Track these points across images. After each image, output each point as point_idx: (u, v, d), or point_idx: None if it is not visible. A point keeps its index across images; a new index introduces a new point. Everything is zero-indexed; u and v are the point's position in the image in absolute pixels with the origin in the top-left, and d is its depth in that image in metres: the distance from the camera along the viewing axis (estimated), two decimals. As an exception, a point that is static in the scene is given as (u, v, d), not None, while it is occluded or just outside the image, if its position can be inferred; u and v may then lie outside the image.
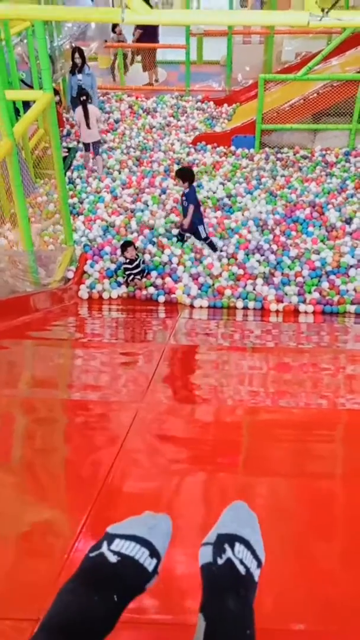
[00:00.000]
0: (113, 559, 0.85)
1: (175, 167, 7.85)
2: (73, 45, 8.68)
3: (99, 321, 4.49)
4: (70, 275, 5.48)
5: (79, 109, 7.25)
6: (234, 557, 0.88)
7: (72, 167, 7.85)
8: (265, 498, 1.70)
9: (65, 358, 3.24)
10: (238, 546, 0.89)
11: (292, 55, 11.23)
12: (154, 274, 5.61)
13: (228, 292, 5.41)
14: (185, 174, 5.77)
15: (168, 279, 5.53)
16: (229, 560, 0.88)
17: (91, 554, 0.87)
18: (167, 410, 2.14)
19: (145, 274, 5.61)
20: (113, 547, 0.87)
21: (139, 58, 11.28)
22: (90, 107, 7.23)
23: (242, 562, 0.88)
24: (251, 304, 5.27)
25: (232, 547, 0.89)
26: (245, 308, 5.26)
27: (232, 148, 8.54)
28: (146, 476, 1.72)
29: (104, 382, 2.65)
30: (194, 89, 10.56)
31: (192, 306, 5.25)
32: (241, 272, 5.72)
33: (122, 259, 5.63)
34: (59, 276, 5.17)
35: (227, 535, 0.91)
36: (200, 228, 5.88)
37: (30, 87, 8.09)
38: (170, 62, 11.75)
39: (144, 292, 5.36)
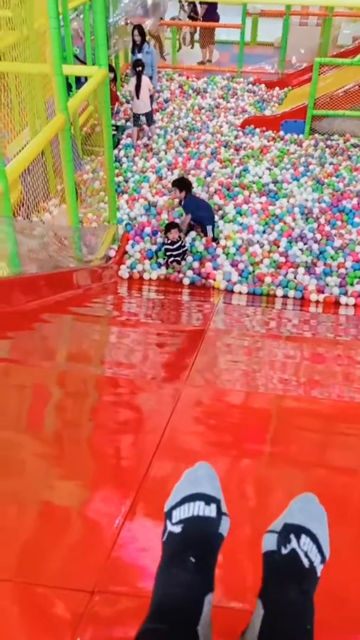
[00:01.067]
0: (178, 529, 0.86)
1: (223, 150, 7.80)
2: (128, 21, 8.58)
3: (138, 301, 4.54)
4: (112, 253, 5.53)
5: (132, 79, 7.33)
6: (299, 548, 0.87)
7: (119, 146, 7.86)
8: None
9: (103, 335, 3.29)
10: (304, 538, 0.88)
11: (349, 39, 10.88)
12: (195, 260, 5.60)
13: (268, 279, 5.37)
14: (181, 184, 5.80)
15: (208, 264, 5.52)
16: (293, 551, 0.87)
17: (163, 539, 0.88)
18: (210, 394, 2.17)
19: (185, 256, 5.61)
20: (174, 519, 0.88)
21: (196, 37, 11.12)
22: (143, 77, 7.30)
23: (306, 555, 0.87)
24: (291, 293, 5.22)
25: (298, 538, 0.88)
26: (285, 297, 5.22)
27: (281, 133, 8.38)
28: (189, 459, 1.76)
29: (144, 361, 2.69)
30: (246, 71, 10.38)
31: (231, 291, 5.24)
32: (283, 260, 5.66)
33: (163, 239, 5.65)
34: (101, 254, 5.23)
35: (294, 526, 0.90)
36: (209, 228, 5.79)
37: (84, 62, 8.10)
38: (223, 42, 11.54)
39: (181, 275, 5.37)
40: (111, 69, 7.80)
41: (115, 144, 7.72)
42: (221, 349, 2.97)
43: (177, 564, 0.82)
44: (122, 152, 7.66)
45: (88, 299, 4.11)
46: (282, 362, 2.78)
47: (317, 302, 5.15)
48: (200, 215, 5.78)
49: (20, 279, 3.33)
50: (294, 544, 0.87)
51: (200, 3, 10.25)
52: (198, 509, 0.87)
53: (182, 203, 5.78)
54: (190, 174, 7.13)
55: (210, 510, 0.87)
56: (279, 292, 5.22)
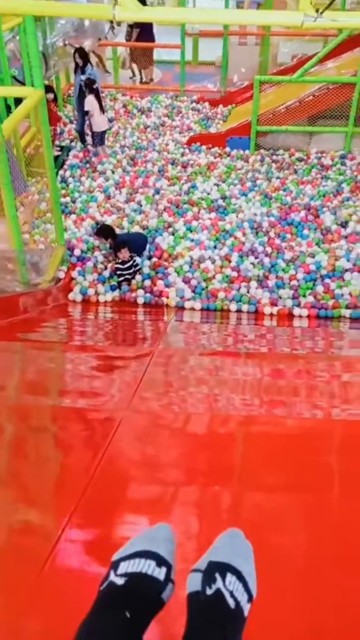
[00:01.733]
0: (121, 581, 0.81)
1: (170, 168, 7.79)
2: (66, 42, 8.55)
3: (88, 323, 4.38)
4: (62, 275, 5.37)
5: (90, 97, 7.33)
6: (224, 588, 0.82)
7: (64, 166, 7.74)
8: (258, 513, 1.61)
9: (52, 362, 3.13)
10: (229, 577, 0.83)
11: (288, 57, 11.18)
12: (145, 278, 5.51)
13: (222, 294, 5.33)
14: (105, 232, 5.68)
15: (160, 282, 5.43)
16: (218, 591, 0.82)
17: (101, 588, 0.83)
18: (152, 419, 2.05)
19: (136, 273, 5.51)
20: (119, 571, 0.83)
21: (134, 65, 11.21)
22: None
23: (232, 595, 0.82)
24: (245, 307, 5.18)
25: (224, 577, 0.83)
26: (239, 311, 5.18)
27: (227, 149, 8.46)
28: (129, 485, 1.63)
29: (89, 387, 2.55)
30: (189, 89, 10.48)
31: (184, 308, 5.16)
32: (235, 274, 5.64)
33: (114, 260, 5.53)
34: (49, 276, 5.07)
35: (218, 564, 0.85)
36: (138, 259, 5.66)
37: (23, 84, 7.97)
38: (165, 61, 11.66)
39: (134, 295, 5.26)
40: (50, 89, 7.71)
41: (61, 165, 7.61)
42: (169, 369, 2.85)
43: (109, 618, 0.78)
44: (67, 173, 7.54)
45: (36, 324, 3.94)
46: (236, 380, 2.69)
47: (272, 314, 5.14)
48: (134, 250, 5.62)
49: None
50: (219, 583, 0.83)
51: (133, 26, 10.28)
52: (148, 567, 0.83)
53: (112, 247, 5.62)
54: (138, 192, 7.08)
55: (160, 573, 0.83)
56: (233, 306, 5.18)
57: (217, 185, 7.34)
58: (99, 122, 7.62)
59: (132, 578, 0.82)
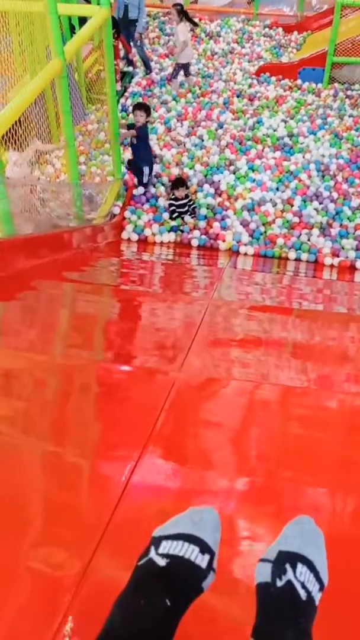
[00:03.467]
0: (162, 562, 0.79)
1: (236, 100, 7.27)
2: None
3: (139, 265, 4.20)
4: (117, 210, 5.17)
5: (184, 25, 6.91)
6: (295, 579, 0.80)
7: (126, 94, 7.35)
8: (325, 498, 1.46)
9: (97, 305, 2.99)
10: (300, 567, 0.81)
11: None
12: (200, 219, 5.23)
13: (280, 241, 5.02)
14: (148, 109, 5.32)
15: (216, 224, 5.16)
16: (289, 582, 0.80)
17: (139, 563, 0.81)
18: (205, 382, 1.91)
19: (193, 215, 5.25)
20: (161, 550, 0.81)
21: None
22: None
23: (303, 586, 0.80)
24: (304, 256, 4.87)
25: (294, 567, 0.81)
26: (298, 260, 4.88)
27: (299, 81, 7.81)
28: (180, 456, 1.52)
29: (135, 339, 2.42)
30: (262, 13, 9.63)
31: (239, 253, 4.90)
32: (296, 220, 5.28)
33: (170, 195, 5.27)
34: (104, 212, 4.88)
35: (289, 554, 0.83)
36: (146, 170, 5.34)
37: (88, 2, 7.49)
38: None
39: (190, 236, 5.02)
40: (115, 23, 7.06)
41: (122, 93, 7.21)
42: (222, 325, 2.66)
43: (149, 597, 0.76)
44: (129, 101, 7.15)
45: (86, 261, 3.80)
46: (290, 345, 2.47)
47: (332, 266, 4.81)
48: (143, 157, 5.31)
49: (12, 240, 3.03)
50: (289, 574, 0.80)
51: None
52: (192, 553, 0.80)
53: (138, 129, 5.30)
54: (200, 126, 6.66)
55: (203, 560, 0.80)
56: (292, 254, 4.87)
57: (285, 121, 6.82)
58: (188, 52, 7.18)
59: (174, 561, 0.79)
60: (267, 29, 9.30)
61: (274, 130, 6.60)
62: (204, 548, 0.81)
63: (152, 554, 0.81)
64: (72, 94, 5.44)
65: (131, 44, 7.62)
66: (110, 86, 4.88)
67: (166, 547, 0.81)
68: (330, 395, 1.97)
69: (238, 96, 7.38)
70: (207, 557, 0.81)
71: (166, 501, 1.31)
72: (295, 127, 6.67)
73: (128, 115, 6.87)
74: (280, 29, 9.27)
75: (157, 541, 0.82)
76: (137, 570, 0.81)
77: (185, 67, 7.30)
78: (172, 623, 0.75)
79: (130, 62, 8.02)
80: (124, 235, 4.92)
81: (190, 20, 7.07)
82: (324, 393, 1.97)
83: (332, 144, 6.39)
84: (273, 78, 7.85)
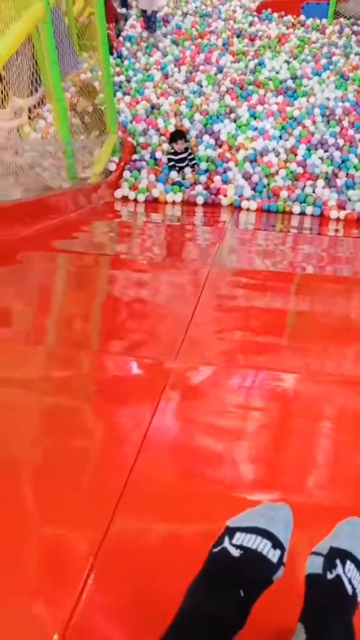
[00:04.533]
0: (236, 553, 0.84)
1: (236, 41, 6.79)
2: None
3: (133, 228, 3.97)
4: (113, 167, 4.91)
5: None
6: (344, 574, 0.86)
7: (119, 38, 6.87)
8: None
9: (88, 283, 2.77)
10: (349, 564, 0.87)
11: None
12: (200, 174, 4.95)
13: (284, 193, 4.76)
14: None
15: (217, 178, 4.89)
16: (338, 577, 0.86)
17: (214, 550, 0.86)
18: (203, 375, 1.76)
19: (193, 168, 4.98)
20: (235, 540, 0.85)
21: None
22: None
23: (350, 582, 0.86)
24: (309, 210, 4.63)
25: (344, 563, 0.87)
26: (302, 214, 4.64)
27: (302, 17, 7.27)
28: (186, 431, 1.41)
29: (131, 319, 2.26)
30: None
31: (241, 208, 4.66)
32: (301, 170, 5.00)
33: (168, 148, 4.99)
34: (99, 169, 4.63)
35: (340, 551, 0.89)
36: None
37: None
38: None
39: (192, 192, 4.77)
40: None
41: (116, 36, 6.74)
42: (224, 297, 2.48)
43: (223, 586, 0.82)
44: (123, 47, 6.70)
45: (79, 227, 3.60)
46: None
47: (338, 219, 4.57)
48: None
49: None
50: (339, 569, 0.87)
51: None
52: (264, 547, 0.85)
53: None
54: (199, 71, 6.24)
55: (274, 555, 0.85)
56: (296, 208, 4.63)
57: (288, 62, 6.38)
58: None
59: (247, 553, 0.84)
60: None
61: (277, 73, 6.18)
62: (276, 543, 0.85)
63: (226, 543, 0.85)
64: (62, 41, 5.08)
65: None
66: (101, 31, 4.51)
67: (240, 538, 0.85)
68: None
69: (238, 36, 6.89)
70: (278, 552, 0.85)
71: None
72: (299, 69, 6.24)
73: (122, 62, 6.45)
74: None
75: (231, 532, 0.86)
76: (210, 557, 0.85)
77: (150, 18, 6.53)
78: (243, 612, 0.80)
79: (124, 3, 7.49)
80: (118, 194, 4.66)
81: None
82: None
83: (337, 86, 5.99)
84: (275, 15, 7.31)
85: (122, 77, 6.18)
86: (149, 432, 1.36)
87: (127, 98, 5.89)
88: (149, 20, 6.44)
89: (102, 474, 1.23)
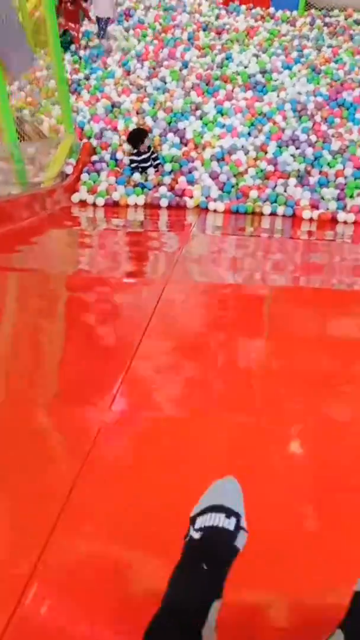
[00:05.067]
0: (197, 535, 0.89)
1: (202, 35, 6.47)
2: None
3: (88, 238, 3.60)
4: (70, 170, 4.54)
5: None
6: None
7: (79, 35, 6.49)
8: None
9: (23, 302, 2.44)
10: None
11: None
12: (164, 175, 4.61)
13: (254, 193, 4.44)
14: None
15: (182, 179, 4.55)
16: None
17: (185, 540, 0.90)
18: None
19: (157, 169, 4.64)
20: (196, 526, 0.90)
21: None
22: None
23: None
24: (280, 210, 4.31)
25: None
26: (273, 214, 4.32)
27: (272, 10, 6.98)
28: None
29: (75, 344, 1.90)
30: None
31: (208, 210, 4.33)
32: (271, 168, 4.68)
33: (127, 147, 4.64)
34: (53, 172, 4.26)
35: None
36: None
37: None
38: None
39: (155, 194, 4.42)
40: None
41: (70, 41, 6.33)
42: (177, 318, 2.13)
43: (190, 568, 0.87)
44: (82, 41, 6.33)
45: (28, 238, 3.24)
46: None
47: (311, 219, 4.26)
48: None
49: None
50: None
51: None
52: (218, 520, 0.90)
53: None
54: (162, 66, 5.90)
55: (229, 524, 0.90)
56: (266, 209, 4.31)
57: (257, 56, 6.06)
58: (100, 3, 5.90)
59: (206, 532, 0.89)
60: None
61: (245, 67, 5.86)
62: (229, 512, 0.90)
63: (191, 531, 0.90)
64: (15, 37, 4.71)
65: None
66: (51, 27, 4.15)
67: (199, 522, 0.90)
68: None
69: (204, 30, 6.57)
70: (233, 519, 0.89)
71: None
72: (269, 62, 5.94)
73: (80, 59, 6.08)
74: None
75: (193, 520, 0.91)
76: (183, 547, 0.89)
77: (100, 24, 6.11)
78: (212, 584, 0.84)
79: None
80: (75, 198, 4.30)
81: None
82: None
83: (309, 80, 5.70)
84: (243, 7, 7.01)
85: (81, 75, 5.81)
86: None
87: (87, 95, 5.53)
88: (100, 26, 6.06)
89: None
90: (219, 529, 0.88)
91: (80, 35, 6.29)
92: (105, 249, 3.38)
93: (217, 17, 6.84)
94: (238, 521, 0.90)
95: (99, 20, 6.06)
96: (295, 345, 1.94)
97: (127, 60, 5.98)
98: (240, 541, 0.89)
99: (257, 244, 3.59)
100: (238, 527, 0.89)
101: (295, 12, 6.92)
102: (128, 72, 5.83)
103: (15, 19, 5.53)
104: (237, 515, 0.90)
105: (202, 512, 0.91)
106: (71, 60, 6.06)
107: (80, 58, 6.09)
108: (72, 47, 6.24)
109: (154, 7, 7.01)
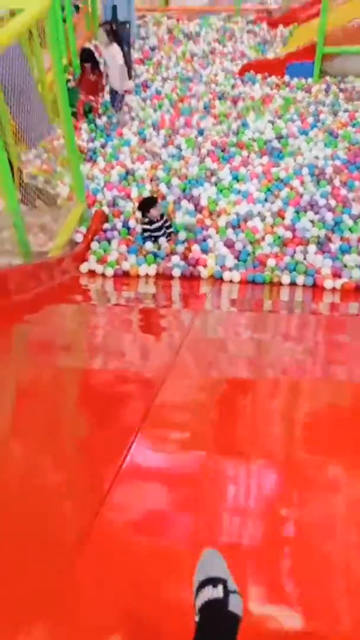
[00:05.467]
0: (197, 617, 0.87)
1: (218, 103, 6.43)
2: None
3: (88, 316, 3.30)
4: (80, 238, 4.34)
5: (115, 47, 5.62)
6: None
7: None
8: None
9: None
10: None
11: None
12: (180, 245, 4.35)
13: (271, 262, 4.15)
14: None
15: (196, 247, 4.29)
16: None
17: (196, 624, 0.90)
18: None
19: (169, 237, 4.40)
20: (196, 609, 0.88)
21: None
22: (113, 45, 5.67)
23: None
24: (300, 279, 3.99)
25: None
26: (293, 284, 4.00)
27: (286, 78, 6.95)
28: None
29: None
30: (245, 8, 8.78)
31: (222, 280, 4.03)
32: (289, 235, 4.41)
33: (139, 215, 4.44)
34: (62, 241, 4.05)
35: None
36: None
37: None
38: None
39: (168, 264, 4.16)
40: (90, 56, 6.13)
41: (89, 110, 6.33)
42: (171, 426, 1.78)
43: None
44: (100, 112, 6.32)
45: (21, 313, 2.96)
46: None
47: (334, 289, 3.93)
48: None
49: None
50: None
51: None
52: (208, 593, 0.88)
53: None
54: (178, 134, 5.82)
55: (217, 592, 0.87)
56: (285, 278, 4.00)
57: (272, 122, 5.95)
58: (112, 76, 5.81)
59: (202, 611, 0.87)
60: (250, 25, 8.44)
61: (261, 133, 5.73)
62: (214, 581, 0.89)
63: (195, 616, 0.87)
64: (34, 108, 4.66)
65: (125, 49, 6.74)
66: (61, 93, 4.05)
67: (197, 604, 0.88)
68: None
69: (220, 99, 6.54)
70: (220, 587, 0.88)
71: None
72: (284, 128, 5.81)
73: (96, 127, 6.04)
74: (264, 24, 8.41)
75: (195, 607, 0.89)
76: (195, 630, 0.88)
77: (116, 97, 6.03)
78: None
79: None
80: (84, 268, 4.06)
81: (119, 42, 5.85)
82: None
83: (326, 144, 5.52)
84: (258, 76, 7.00)
85: (97, 143, 5.75)
86: None
87: (102, 163, 5.43)
88: (115, 99, 6.04)
89: None
90: (210, 602, 0.87)
91: (99, 105, 6.31)
92: (101, 332, 3.05)
93: (233, 87, 6.82)
94: (225, 586, 0.88)
95: (112, 93, 6.03)
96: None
97: (143, 129, 5.93)
98: (235, 605, 0.86)
99: (275, 323, 3.21)
100: (227, 592, 0.87)
101: (310, 80, 6.87)
102: (144, 140, 5.75)
103: (34, 90, 5.55)
104: (223, 581, 0.88)
105: (196, 594, 0.90)
106: (88, 128, 6.04)
107: (96, 127, 6.07)
108: (91, 116, 6.26)
109: (171, 79, 7.05)
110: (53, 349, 2.63)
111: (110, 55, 5.64)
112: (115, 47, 5.67)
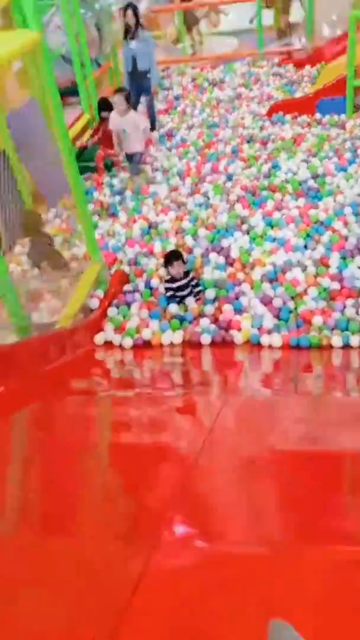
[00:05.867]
0: None
1: (246, 147, 5.90)
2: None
3: (89, 407, 2.63)
4: (95, 304, 3.77)
5: (134, 114, 5.23)
6: None
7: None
8: None
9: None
10: None
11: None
12: (207, 303, 3.70)
13: (318, 319, 3.44)
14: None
15: (227, 307, 3.63)
16: None
17: None
18: None
19: (197, 296, 3.77)
20: None
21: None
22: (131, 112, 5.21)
23: None
24: (355, 340, 3.25)
25: None
26: (347, 346, 3.26)
27: (317, 116, 6.41)
28: None
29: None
30: (269, 52, 8.40)
31: (260, 345, 3.34)
32: (336, 286, 3.70)
33: (163, 271, 3.84)
34: (73, 309, 3.48)
35: None
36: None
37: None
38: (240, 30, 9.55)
39: (195, 329, 3.51)
40: (108, 106, 5.80)
41: (111, 164, 5.92)
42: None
43: None
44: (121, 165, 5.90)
45: (12, 406, 2.36)
46: None
47: None
48: None
49: None
50: None
51: None
52: None
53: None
54: (205, 181, 5.28)
55: None
56: (336, 340, 3.27)
57: (306, 161, 5.35)
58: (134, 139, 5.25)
59: None
60: (275, 68, 8.03)
61: (294, 174, 5.13)
62: None
63: None
64: (53, 167, 4.24)
65: (144, 99, 6.38)
66: (64, 145, 3.59)
67: None
68: None
69: (248, 142, 6.03)
70: None
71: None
72: (320, 166, 5.19)
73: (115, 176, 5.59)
74: (290, 66, 7.98)
75: None
76: None
77: (132, 159, 5.46)
78: None
79: None
80: (99, 339, 3.46)
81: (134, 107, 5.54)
82: None
83: (369, 180, 4.85)
84: (288, 116, 6.49)
85: (118, 198, 5.28)
86: None
87: (124, 217, 4.93)
88: (132, 162, 5.55)
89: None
90: None
91: (120, 158, 5.90)
92: (106, 435, 2.37)
93: (262, 129, 6.32)
94: None
95: (129, 157, 5.51)
96: None
97: (168, 178, 5.44)
98: None
99: (326, 417, 2.40)
100: None
101: (343, 115, 6.30)
102: (171, 190, 5.24)
103: (53, 149, 5.17)
104: None
105: None
106: (109, 182, 5.60)
107: (120, 181, 5.62)
108: (114, 170, 5.85)
109: (197, 126, 6.62)
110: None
111: (130, 122, 5.17)
112: (133, 114, 5.24)
